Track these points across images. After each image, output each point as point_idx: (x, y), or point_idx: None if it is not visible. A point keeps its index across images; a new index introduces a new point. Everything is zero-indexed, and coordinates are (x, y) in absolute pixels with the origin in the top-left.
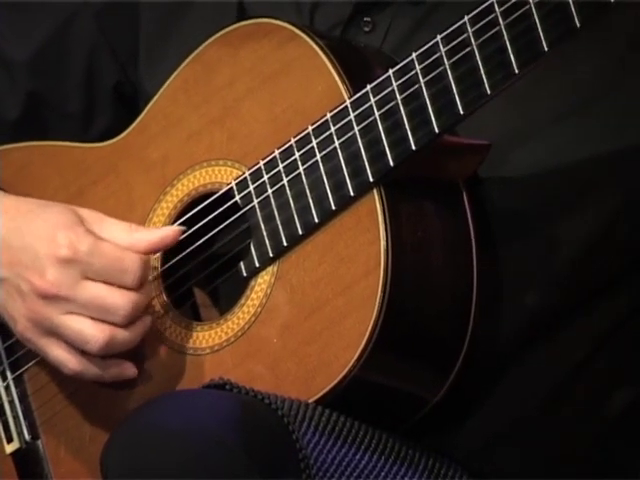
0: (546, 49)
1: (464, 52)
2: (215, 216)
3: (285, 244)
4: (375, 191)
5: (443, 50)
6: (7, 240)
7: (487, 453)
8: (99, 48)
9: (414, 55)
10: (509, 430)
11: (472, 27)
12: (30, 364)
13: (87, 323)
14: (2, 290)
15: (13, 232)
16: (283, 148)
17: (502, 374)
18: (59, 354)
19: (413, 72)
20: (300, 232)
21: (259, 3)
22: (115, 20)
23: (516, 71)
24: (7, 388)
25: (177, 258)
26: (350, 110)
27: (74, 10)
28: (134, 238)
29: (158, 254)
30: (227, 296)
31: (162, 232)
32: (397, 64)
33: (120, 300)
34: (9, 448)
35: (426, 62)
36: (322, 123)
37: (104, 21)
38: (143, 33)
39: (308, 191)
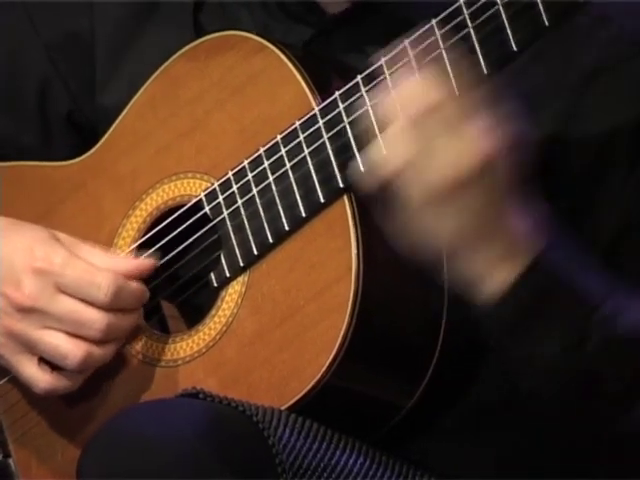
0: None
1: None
2: (185, 228)
3: (256, 253)
4: (345, 197)
5: (412, 55)
6: None
7: (459, 457)
8: (50, 78)
9: (383, 60)
10: (479, 434)
11: (440, 29)
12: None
13: (63, 339)
14: None
15: None
16: (252, 158)
17: (470, 378)
18: (32, 372)
19: (382, 77)
20: (271, 240)
21: None
22: (66, 51)
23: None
24: None
25: None
26: (319, 117)
27: (21, 41)
28: (110, 261)
29: None
30: (197, 307)
31: (139, 261)
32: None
33: (95, 315)
34: None
35: (395, 67)
36: (291, 131)
37: (54, 53)
38: (100, 51)
39: (278, 199)
